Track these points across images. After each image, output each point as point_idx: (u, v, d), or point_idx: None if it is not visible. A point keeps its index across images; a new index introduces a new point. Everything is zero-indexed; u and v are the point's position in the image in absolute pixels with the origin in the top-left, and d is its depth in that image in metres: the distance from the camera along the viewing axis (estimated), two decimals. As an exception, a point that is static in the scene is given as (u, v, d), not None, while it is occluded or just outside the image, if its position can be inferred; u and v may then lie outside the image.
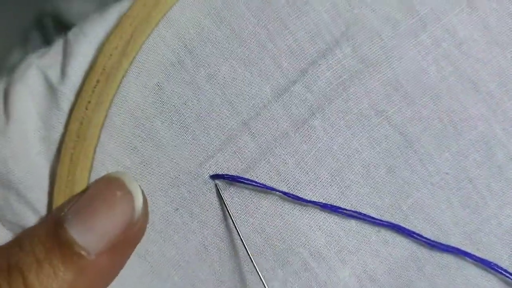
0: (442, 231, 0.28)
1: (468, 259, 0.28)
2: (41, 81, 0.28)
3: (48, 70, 0.28)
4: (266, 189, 0.27)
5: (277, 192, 0.27)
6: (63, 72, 0.27)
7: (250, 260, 0.27)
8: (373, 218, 0.28)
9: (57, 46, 0.29)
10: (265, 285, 0.26)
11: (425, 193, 0.28)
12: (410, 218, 0.28)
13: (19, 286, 0.18)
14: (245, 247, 0.27)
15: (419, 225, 0.28)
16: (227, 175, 0.26)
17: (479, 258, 0.28)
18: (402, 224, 0.28)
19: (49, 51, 0.29)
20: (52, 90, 0.27)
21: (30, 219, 0.27)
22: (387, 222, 0.28)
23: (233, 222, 0.27)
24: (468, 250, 0.28)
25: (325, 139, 0.28)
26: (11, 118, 0.27)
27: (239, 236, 0.27)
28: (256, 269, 0.26)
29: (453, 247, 0.28)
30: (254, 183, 0.26)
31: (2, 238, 0.27)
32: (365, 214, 0.27)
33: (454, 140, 0.28)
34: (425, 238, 0.28)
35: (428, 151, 0.28)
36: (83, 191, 0.20)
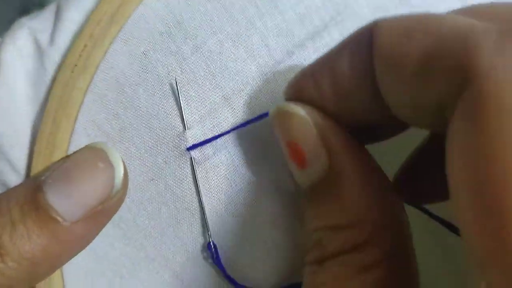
0: None
1: None
2: (30, 44, 0.28)
3: (38, 34, 0.28)
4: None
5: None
6: (52, 37, 0.28)
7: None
8: None
9: (50, 10, 0.29)
10: None
11: None
12: None
13: None
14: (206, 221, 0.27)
15: None
16: (199, 143, 0.26)
17: None
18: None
19: (41, 14, 0.29)
20: (40, 52, 0.28)
21: (10, 178, 0.28)
22: None
23: (199, 196, 0.27)
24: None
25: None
26: (1, 77, 0.28)
27: (203, 210, 0.27)
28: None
29: None
30: (224, 134, 0.26)
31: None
32: None
33: None
34: None
35: None
36: (66, 158, 0.20)
